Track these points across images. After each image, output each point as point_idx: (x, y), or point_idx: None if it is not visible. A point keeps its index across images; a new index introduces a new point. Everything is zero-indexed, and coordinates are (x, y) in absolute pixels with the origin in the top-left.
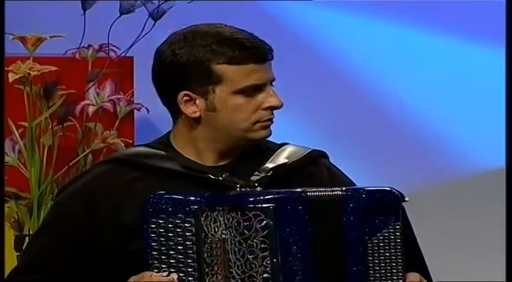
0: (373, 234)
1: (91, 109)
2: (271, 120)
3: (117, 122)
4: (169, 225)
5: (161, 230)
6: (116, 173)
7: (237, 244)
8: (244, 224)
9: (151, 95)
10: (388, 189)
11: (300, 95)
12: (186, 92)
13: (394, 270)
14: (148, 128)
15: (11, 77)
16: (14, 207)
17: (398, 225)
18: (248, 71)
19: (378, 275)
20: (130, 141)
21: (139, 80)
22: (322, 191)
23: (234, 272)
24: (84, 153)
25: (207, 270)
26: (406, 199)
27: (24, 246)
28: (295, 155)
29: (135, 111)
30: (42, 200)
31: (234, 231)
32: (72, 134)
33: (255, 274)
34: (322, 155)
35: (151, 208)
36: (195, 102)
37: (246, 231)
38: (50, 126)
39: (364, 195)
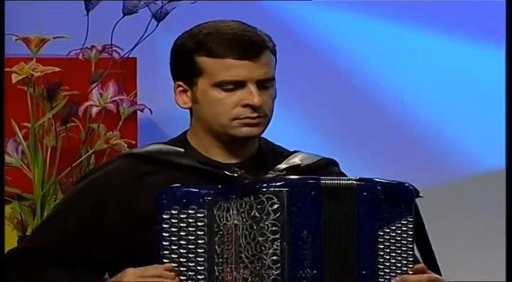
0: (385, 225)
1: (94, 110)
2: (251, 118)
3: (120, 122)
4: (182, 216)
5: (174, 221)
6: (132, 166)
7: (248, 228)
8: (257, 207)
9: (154, 95)
10: (403, 182)
11: (301, 95)
12: (179, 82)
13: (404, 261)
14: (152, 129)
15: (14, 78)
16: (17, 208)
17: (411, 217)
18: (225, 65)
19: (388, 263)
20: (134, 142)
21: (142, 80)
22: (336, 180)
23: (243, 256)
24: (87, 154)
25: (217, 260)
26: (421, 195)
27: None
28: (307, 160)
29: (138, 112)
30: (46, 201)
31: (246, 216)
32: (75, 134)
33: (264, 256)
34: (333, 162)
35: (165, 199)
36: (187, 94)
37: (257, 214)
38: (53, 127)
39: (379, 187)
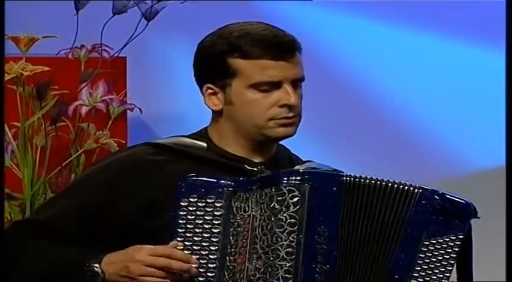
0: (431, 236)
1: (84, 109)
2: (288, 118)
3: (110, 122)
4: (200, 205)
5: (191, 209)
6: (150, 154)
7: (266, 219)
8: (277, 198)
9: (144, 95)
10: (464, 199)
11: None
12: (209, 85)
13: (441, 275)
14: (141, 128)
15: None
16: (7, 207)
17: (461, 235)
18: (261, 66)
19: (423, 273)
20: (124, 142)
21: (132, 80)
22: (358, 178)
23: (258, 246)
24: (77, 154)
25: (229, 250)
26: (478, 216)
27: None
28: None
29: (128, 111)
30: (35, 201)
31: (265, 207)
32: (65, 134)
33: (279, 248)
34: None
35: (184, 188)
36: (217, 96)
37: (277, 206)
38: (43, 126)
39: (437, 196)
